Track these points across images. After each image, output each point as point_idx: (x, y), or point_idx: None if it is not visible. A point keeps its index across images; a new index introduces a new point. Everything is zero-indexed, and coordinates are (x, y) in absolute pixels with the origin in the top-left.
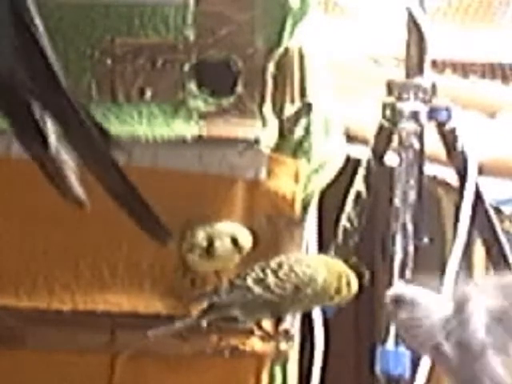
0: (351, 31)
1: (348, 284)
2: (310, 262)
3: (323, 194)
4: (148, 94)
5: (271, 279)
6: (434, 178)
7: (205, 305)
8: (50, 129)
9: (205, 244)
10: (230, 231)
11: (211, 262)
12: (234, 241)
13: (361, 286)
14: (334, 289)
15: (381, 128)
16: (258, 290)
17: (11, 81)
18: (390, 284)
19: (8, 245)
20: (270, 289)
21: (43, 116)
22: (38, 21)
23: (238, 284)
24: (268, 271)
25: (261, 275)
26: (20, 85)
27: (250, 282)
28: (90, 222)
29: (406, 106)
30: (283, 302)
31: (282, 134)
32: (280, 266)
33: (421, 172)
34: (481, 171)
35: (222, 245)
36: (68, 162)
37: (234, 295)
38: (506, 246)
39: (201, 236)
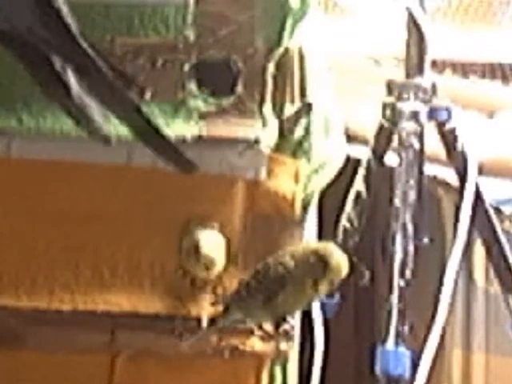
0: (351, 31)
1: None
2: (287, 257)
3: (323, 194)
4: (148, 94)
5: (253, 283)
6: (434, 178)
7: (220, 308)
8: (71, 78)
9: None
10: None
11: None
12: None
13: (361, 286)
14: (307, 282)
15: (381, 128)
16: (243, 293)
17: (31, 37)
18: (390, 284)
19: (8, 245)
20: (250, 291)
21: (64, 67)
22: None
23: (236, 289)
24: (254, 273)
25: (249, 278)
26: (40, 41)
27: (241, 284)
28: (90, 222)
29: (406, 106)
30: (259, 305)
31: (282, 134)
32: (263, 267)
33: (421, 172)
34: (481, 171)
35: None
36: (91, 105)
37: (232, 298)
38: (506, 246)
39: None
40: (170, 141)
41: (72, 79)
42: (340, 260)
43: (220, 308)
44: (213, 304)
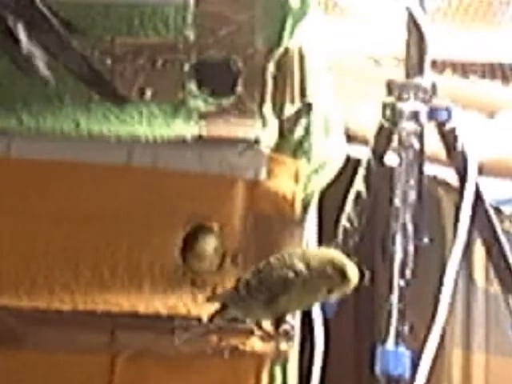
0: (351, 31)
1: (340, 276)
2: (295, 260)
3: (323, 194)
4: (148, 94)
5: (253, 282)
6: (434, 178)
7: (216, 305)
8: (22, 31)
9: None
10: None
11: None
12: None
13: (361, 286)
14: (322, 290)
15: (381, 128)
16: (243, 292)
17: None
18: (390, 284)
19: (8, 245)
20: (251, 292)
21: (16, 23)
22: None
23: (234, 286)
24: (255, 273)
25: (249, 277)
26: None
27: (241, 283)
28: (89, 222)
29: (406, 106)
30: (260, 305)
31: (282, 134)
32: (264, 267)
33: (421, 172)
34: (481, 171)
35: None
36: (37, 54)
37: (231, 296)
38: (506, 246)
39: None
40: (108, 81)
41: (22, 32)
42: (354, 270)
43: (216, 305)
44: (208, 300)
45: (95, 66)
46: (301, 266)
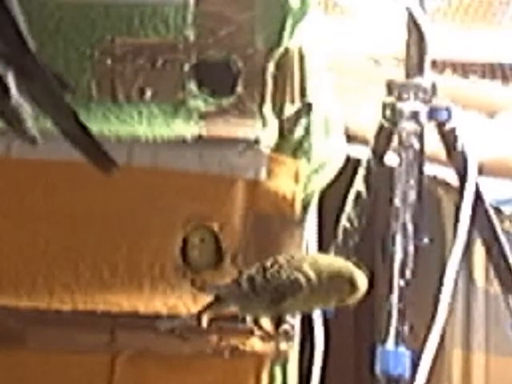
0: (351, 31)
1: (351, 287)
2: (306, 265)
3: (323, 194)
4: (148, 93)
5: (258, 279)
6: (434, 178)
7: (207, 299)
8: (11, 81)
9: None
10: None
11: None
12: None
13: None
14: (332, 298)
15: (381, 128)
16: (245, 287)
17: None
18: (390, 284)
19: (8, 245)
20: (255, 288)
21: (6, 70)
22: None
23: (236, 279)
24: (260, 270)
25: (253, 273)
26: None
27: (243, 278)
28: (89, 222)
29: (406, 106)
30: (263, 304)
31: (282, 134)
32: (272, 266)
33: (421, 172)
34: (481, 171)
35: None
36: (26, 108)
37: (230, 289)
38: (506, 246)
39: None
40: (99, 144)
41: (12, 81)
42: (363, 279)
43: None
44: (202, 289)
45: (86, 126)
46: (311, 274)
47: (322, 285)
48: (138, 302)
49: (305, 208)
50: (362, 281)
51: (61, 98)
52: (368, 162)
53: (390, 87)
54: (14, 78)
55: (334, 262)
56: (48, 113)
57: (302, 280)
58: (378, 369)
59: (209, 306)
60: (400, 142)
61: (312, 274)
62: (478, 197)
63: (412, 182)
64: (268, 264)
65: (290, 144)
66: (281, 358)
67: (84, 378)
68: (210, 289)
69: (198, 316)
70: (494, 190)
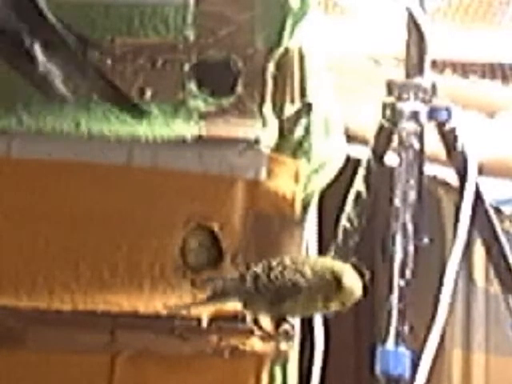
0: (351, 31)
1: (340, 292)
2: (307, 267)
3: (323, 194)
4: (148, 93)
5: (263, 277)
6: (434, 178)
7: (208, 292)
8: (38, 51)
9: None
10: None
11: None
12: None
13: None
14: (318, 298)
15: (381, 128)
16: (249, 285)
17: (3, 20)
18: (390, 284)
19: (8, 245)
20: (258, 287)
21: (33, 43)
22: None
23: (241, 273)
24: (266, 269)
25: (259, 271)
26: (11, 23)
27: (249, 275)
28: (90, 222)
29: (406, 106)
30: (265, 303)
31: (282, 134)
32: (277, 266)
33: (421, 172)
34: (481, 171)
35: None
36: (53, 70)
37: (235, 283)
38: (506, 246)
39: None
40: (127, 96)
41: (38, 52)
42: (354, 283)
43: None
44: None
45: (111, 80)
46: (308, 271)
47: (313, 282)
48: (138, 302)
49: (305, 208)
50: (352, 283)
51: (85, 60)
52: (368, 162)
53: (390, 87)
54: (41, 49)
55: (329, 261)
56: (75, 76)
57: (302, 283)
58: (378, 369)
59: (211, 299)
60: (400, 142)
61: (308, 273)
62: (478, 197)
63: (412, 181)
64: (274, 264)
65: (290, 144)
66: (281, 358)
67: (84, 378)
68: (215, 281)
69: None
70: (494, 190)
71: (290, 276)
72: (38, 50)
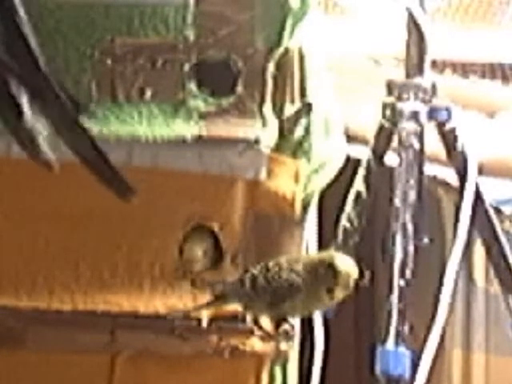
0: (351, 31)
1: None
2: (300, 266)
3: (323, 194)
4: (148, 93)
5: (261, 279)
6: (434, 178)
7: (208, 297)
8: (25, 102)
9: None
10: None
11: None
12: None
13: (361, 286)
14: (322, 292)
15: (381, 128)
16: (248, 286)
17: None
18: (390, 284)
19: (8, 245)
20: (257, 289)
21: (19, 91)
22: (21, 11)
23: (240, 277)
24: (263, 270)
25: (256, 273)
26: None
27: (247, 277)
28: (90, 222)
29: (406, 106)
30: (264, 305)
31: (282, 134)
32: (274, 267)
33: (421, 172)
34: (481, 171)
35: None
36: (41, 130)
37: (234, 287)
38: (506, 246)
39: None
40: (114, 168)
41: (26, 103)
42: (347, 264)
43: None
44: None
45: (102, 151)
46: (301, 270)
47: (309, 280)
48: (138, 302)
49: (305, 208)
50: (345, 264)
51: (75, 120)
52: (368, 162)
53: (390, 87)
54: (28, 98)
55: (315, 255)
56: (62, 135)
57: (299, 282)
58: (378, 369)
59: (211, 303)
60: (400, 142)
61: (302, 272)
62: (478, 197)
63: (412, 182)
64: (270, 265)
65: (290, 144)
66: (281, 358)
67: (84, 378)
68: (215, 285)
69: (199, 309)
70: (494, 190)
71: (286, 276)
72: (25, 100)
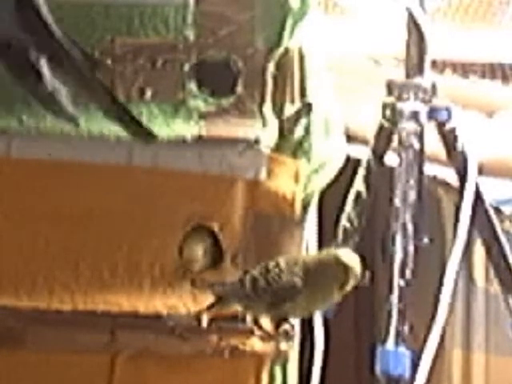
0: (351, 31)
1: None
2: (298, 267)
3: (323, 194)
4: (148, 93)
5: (261, 281)
6: (434, 178)
7: (209, 298)
8: (45, 66)
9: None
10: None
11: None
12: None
13: (361, 286)
14: (330, 292)
15: (381, 128)
16: (248, 288)
17: (10, 35)
18: (390, 284)
19: (8, 245)
20: (257, 290)
21: (39, 57)
22: None
23: (240, 278)
24: (263, 271)
25: (256, 274)
26: (18, 36)
27: (247, 278)
28: (90, 222)
29: (406, 106)
30: (264, 306)
31: (282, 134)
32: (273, 268)
33: (421, 172)
34: (481, 171)
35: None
36: (61, 89)
37: (234, 288)
38: (506, 246)
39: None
40: (133, 115)
41: (45, 67)
42: (351, 257)
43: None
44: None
45: (119, 100)
46: (300, 272)
47: (316, 281)
48: (138, 302)
49: (305, 208)
50: (351, 258)
51: (92, 79)
52: (368, 162)
53: (390, 87)
54: (48, 64)
55: (320, 254)
56: (82, 94)
57: (299, 284)
58: (378, 369)
59: (212, 306)
60: (400, 142)
61: (302, 274)
62: (478, 197)
63: (412, 182)
64: (270, 266)
65: (290, 144)
66: (281, 358)
67: (84, 378)
68: (214, 287)
69: (199, 314)
70: (494, 190)
71: (286, 277)
72: (44, 65)
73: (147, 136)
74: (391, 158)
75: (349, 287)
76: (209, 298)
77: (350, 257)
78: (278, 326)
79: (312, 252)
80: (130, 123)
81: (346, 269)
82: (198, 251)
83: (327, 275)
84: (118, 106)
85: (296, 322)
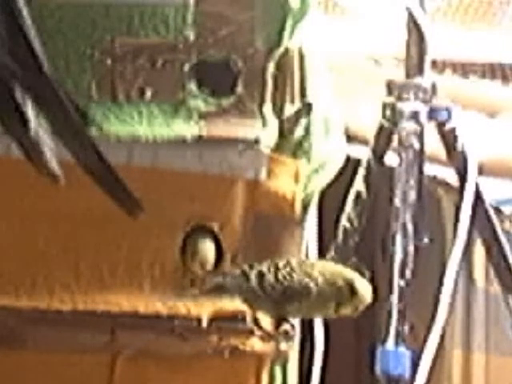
0: (351, 31)
1: (353, 298)
2: (315, 271)
3: (323, 194)
4: (148, 93)
5: (269, 277)
6: (434, 178)
7: (208, 286)
8: (31, 111)
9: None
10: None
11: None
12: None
13: None
14: (331, 304)
15: (381, 128)
16: (254, 282)
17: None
18: (390, 284)
19: (8, 245)
20: (264, 286)
21: (25, 99)
22: (25, 12)
23: (243, 271)
24: (272, 269)
25: (264, 270)
26: (3, 69)
27: (253, 273)
28: (89, 222)
29: (406, 106)
30: (269, 302)
31: (282, 134)
32: (284, 267)
33: (421, 172)
34: (481, 171)
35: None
36: (46, 140)
37: (237, 280)
38: (506, 246)
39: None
40: (120, 180)
41: (30, 111)
42: (365, 287)
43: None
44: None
45: (108, 162)
46: (318, 276)
47: (325, 289)
48: (138, 302)
49: (305, 208)
50: (364, 287)
51: (80, 128)
52: (368, 162)
53: (390, 87)
54: (33, 106)
55: (336, 268)
56: (67, 144)
57: (312, 287)
58: (378, 369)
59: (210, 291)
60: (400, 142)
61: (319, 279)
62: (478, 197)
63: (412, 182)
64: (281, 264)
65: (290, 144)
66: (281, 358)
67: (84, 377)
68: (215, 277)
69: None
70: (494, 190)
71: (299, 278)
72: (29, 106)
73: (132, 204)
74: (391, 158)
75: (345, 311)
76: (209, 298)
77: (363, 287)
78: (278, 325)
79: (328, 262)
80: (116, 187)
81: (352, 293)
82: (209, 253)
83: (333, 289)
84: (106, 165)
85: (296, 322)
